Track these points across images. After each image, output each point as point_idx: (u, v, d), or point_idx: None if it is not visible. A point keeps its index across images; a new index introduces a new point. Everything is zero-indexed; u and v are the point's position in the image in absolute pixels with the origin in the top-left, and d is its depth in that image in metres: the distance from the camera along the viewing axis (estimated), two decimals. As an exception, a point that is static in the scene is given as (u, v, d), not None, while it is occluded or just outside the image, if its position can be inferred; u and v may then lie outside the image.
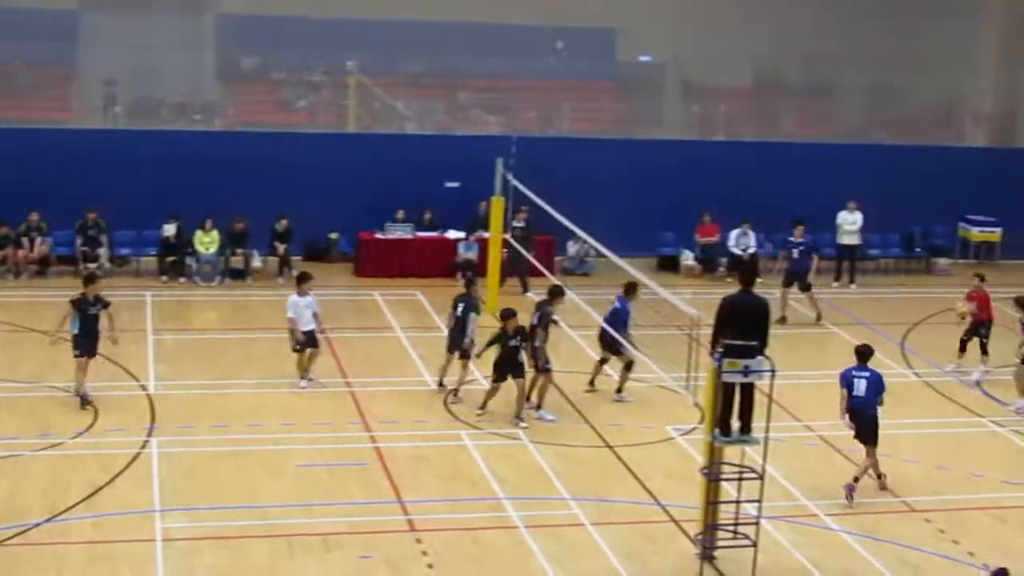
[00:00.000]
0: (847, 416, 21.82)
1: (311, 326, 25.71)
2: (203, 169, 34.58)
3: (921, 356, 29.46)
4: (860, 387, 21.84)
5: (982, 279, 28.81)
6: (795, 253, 32.40)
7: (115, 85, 38.08)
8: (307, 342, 25.74)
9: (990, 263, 38.78)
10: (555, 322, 25.79)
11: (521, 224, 33.42)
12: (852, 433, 21.87)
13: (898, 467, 22.89)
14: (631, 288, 25.63)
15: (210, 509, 20.08)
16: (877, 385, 21.86)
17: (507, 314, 24.36)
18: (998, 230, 38.94)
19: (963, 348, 28.48)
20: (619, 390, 25.87)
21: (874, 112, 43.27)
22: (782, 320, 31.07)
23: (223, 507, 20.20)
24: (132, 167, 34.16)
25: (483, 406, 24.60)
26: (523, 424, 24.01)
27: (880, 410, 21.76)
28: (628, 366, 25.64)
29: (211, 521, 19.72)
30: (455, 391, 25.61)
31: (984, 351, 28.30)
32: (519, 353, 24.26)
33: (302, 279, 26.20)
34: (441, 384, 26.03)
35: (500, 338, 24.26)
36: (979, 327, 28.36)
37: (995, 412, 26.20)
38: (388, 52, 40.16)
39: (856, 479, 21.65)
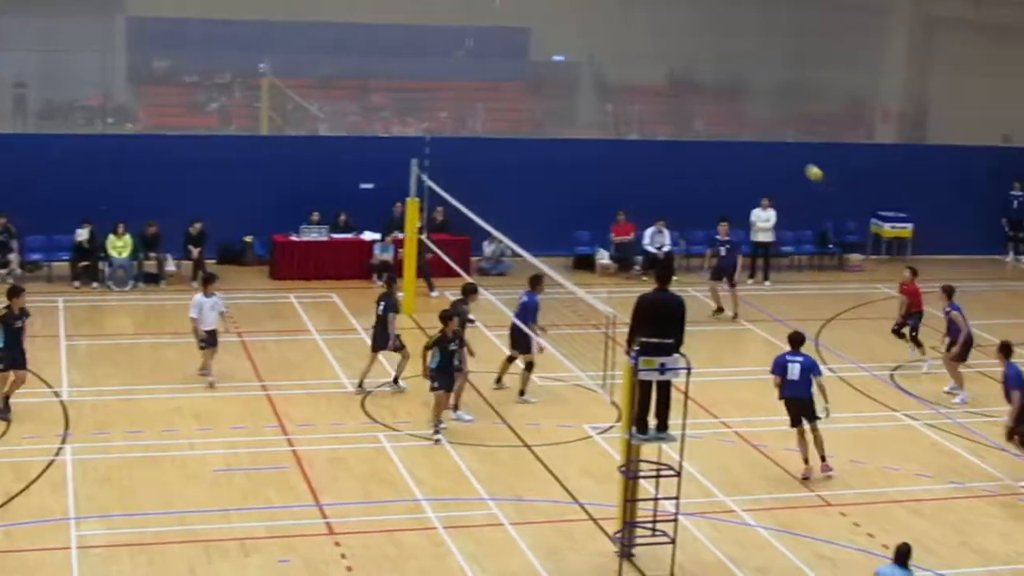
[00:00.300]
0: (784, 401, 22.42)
1: (214, 326, 26.00)
2: (115, 173, 34.28)
3: (835, 352, 29.69)
4: (794, 371, 22.35)
5: (914, 273, 29.23)
6: (722, 251, 32.55)
7: (25, 88, 37.64)
8: (209, 341, 25.92)
9: (902, 258, 39.13)
10: (471, 321, 25.79)
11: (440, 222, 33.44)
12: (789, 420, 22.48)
13: (813, 461, 23.07)
14: (536, 280, 25.59)
15: (126, 516, 19.92)
16: (812, 369, 22.38)
17: (448, 315, 24.02)
18: (909, 226, 39.34)
19: (902, 336, 29.21)
20: (522, 392, 25.87)
21: (786, 110, 43.56)
22: (719, 311, 32.28)
23: (139, 514, 20.05)
24: (42, 171, 33.80)
25: (439, 421, 24.07)
26: (438, 437, 23.83)
27: (816, 390, 22.40)
28: (529, 367, 25.68)
29: (127, 528, 19.58)
30: (396, 379, 26.08)
31: (917, 343, 28.87)
32: (455, 357, 24.00)
33: (208, 280, 26.71)
34: (360, 386, 25.96)
35: (440, 341, 23.78)
36: (908, 318, 28.91)
37: (909, 406, 26.47)
38: (300, 54, 39.96)
39: (824, 458, 22.51)
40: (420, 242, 31.87)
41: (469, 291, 25.47)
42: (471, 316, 25.61)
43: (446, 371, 23.64)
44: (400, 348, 25.95)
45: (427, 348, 23.84)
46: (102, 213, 33.18)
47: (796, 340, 22.79)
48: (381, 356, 26.17)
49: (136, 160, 34.74)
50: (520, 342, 25.59)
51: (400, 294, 27.73)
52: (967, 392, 27.06)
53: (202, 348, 26.02)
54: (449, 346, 23.69)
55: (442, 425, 23.77)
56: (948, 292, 27.48)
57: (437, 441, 23.26)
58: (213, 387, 25.67)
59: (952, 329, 27.08)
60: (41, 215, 33.40)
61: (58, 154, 34.37)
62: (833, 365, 28.72)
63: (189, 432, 23.37)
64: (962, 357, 27.14)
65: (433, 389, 23.67)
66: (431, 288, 33.04)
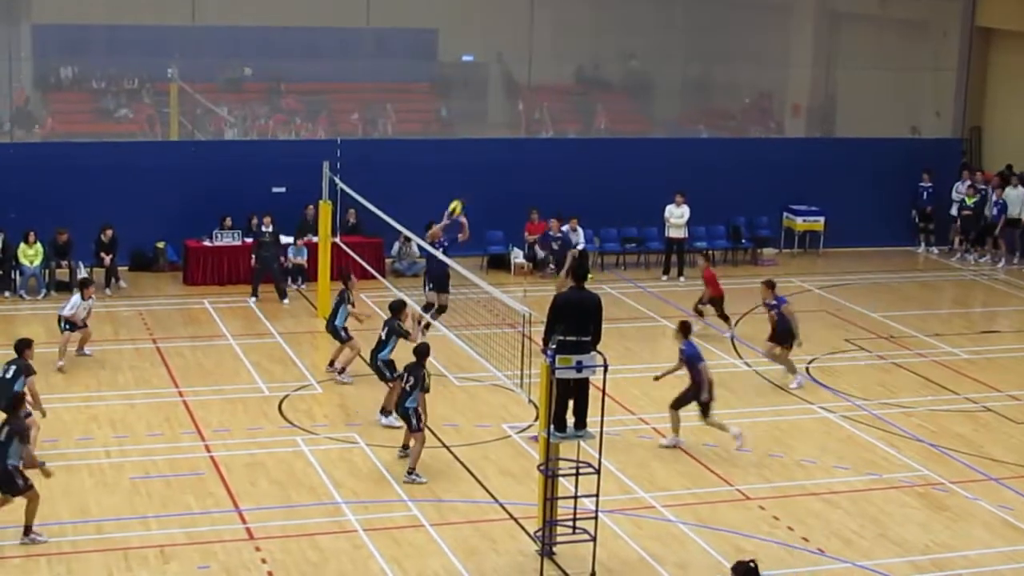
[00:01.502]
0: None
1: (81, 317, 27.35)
2: (24, 180, 33.94)
3: (749, 346, 29.90)
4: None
5: (707, 259, 32.41)
6: (554, 245, 32.75)
7: (-71, 96, 37.20)
8: (73, 327, 27.05)
9: (815, 252, 39.53)
10: (405, 334, 25.30)
11: (269, 229, 33.19)
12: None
13: (731, 456, 23.27)
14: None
15: (43, 525, 19.70)
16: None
17: (399, 305, 24.71)
18: (821, 219, 39.64)
19: (700, 313, 31.06)
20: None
21: (694, 106, 43.81)
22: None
23: (57, 523, 19.87)
24: (-51, 181, 33.45)
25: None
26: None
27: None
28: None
29: (45, 537, 19.38)
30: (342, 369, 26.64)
31: (725, 318, 30.85)
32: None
33: (85, 284, 27.89)
34: (331, 364, 26.87)
35: (401, 330, 24.58)
36: (711, 302, 30.89)
37: (825, 399, 26.69)
38: (208, 58, 39.72)
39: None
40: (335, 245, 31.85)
41: (398, 308, 24.99)
42: (407, 328, 25.36)
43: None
44: (347, 340, 26.61)
45: (398, 337, 24.61)
46: (12, 221, 32.84)
47: (686, 329, 23.95)
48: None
49: (45, 167, 34.40)
50: None
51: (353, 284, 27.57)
52: (802, 376, 27.35)
53: (65, 331, 27.00)
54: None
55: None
56: (770, 285, 27.68)
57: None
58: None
59: (781, 320, 27.14)
60: (-50, 224, 33.05)
61: (-35, 163, 34.00)
62: (748, 359, 28.94)
63: (105, 440, 23.19)
64: (787, 343, 27.24)
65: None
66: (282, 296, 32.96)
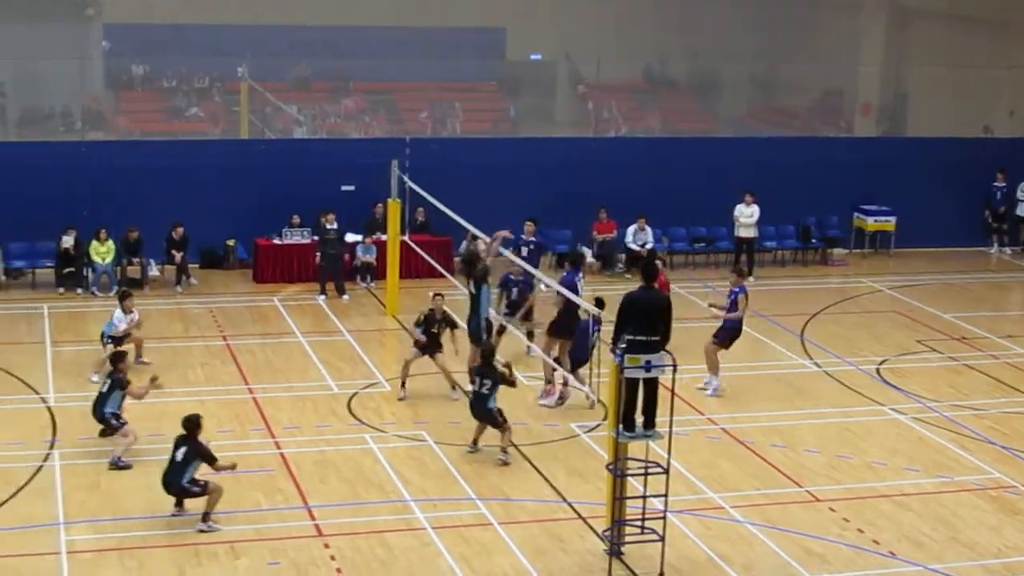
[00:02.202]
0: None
1: (125, 331, 26.73)
2: (96, 179, 34.25)
3: (819, 346, 29.73)
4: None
5: (663, 263, 31.16)
6: (524, 251, 30.29)
7: (3, 97, 37.57)
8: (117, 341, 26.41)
9: (886, 252, 39.26)
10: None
11: (333, 226, 33.26)
12: None
13: (800, 457, 23.15)
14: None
15: (114, 520, 19.89)
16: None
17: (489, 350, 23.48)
18: (892, 219, 39.34)
19: None
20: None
21: (762, 104, 43.66)
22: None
23: (127, 518, 20.02)
24: (23, 179, 33.73)
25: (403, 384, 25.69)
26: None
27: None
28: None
29: (116, 532, 19.56)
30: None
31: None
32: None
33: (124, 297, 27.29)
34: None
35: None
36: None
37: (895, 400, 26.49)
38: (278, 57, 39.97)
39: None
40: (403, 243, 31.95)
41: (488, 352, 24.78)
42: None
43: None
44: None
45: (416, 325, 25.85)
46: (84, 219, 33.12)
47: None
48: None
49: (116, 166, 34.66)
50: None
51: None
52: (719, 381, 26.59)
53: (105, 345, 26.39)
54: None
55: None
56: (740, 273, 27.15)
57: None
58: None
59: (730, 311, 26.39)
60: (23, 222, 33.34)
61: (39, 161, 34.29)
62: (818, 360, 28.77)
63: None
64: (726, 344, 26.52)
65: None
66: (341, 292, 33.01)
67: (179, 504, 20.17)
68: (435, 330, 25.80)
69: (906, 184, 39.26)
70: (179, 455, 19.81)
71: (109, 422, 22.20)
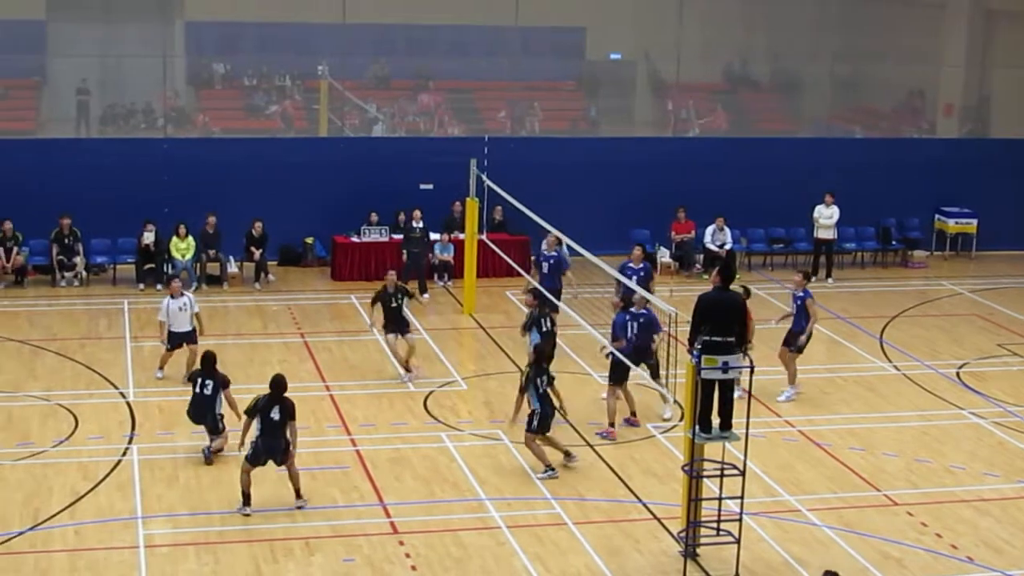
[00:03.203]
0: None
1: (186, 327, 26.08)
2: (177, 176, 34.57)
3: (899, 349, 29.51)
4: (633, 328, 23.87)
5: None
6: (544, 267, 28.86)
7: (88, 95, 37.92)
8: (179, 341, 26.06)
9: (967, 255, 38.91)
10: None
11: (419, 224, 33.30)
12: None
13: (878, 461, 22.99)
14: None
15: (192, 515, 20.05)
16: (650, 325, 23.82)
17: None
18: (974, 221, 38.97)
19: None
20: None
21: (844, 105, 43.36)
22: None
23: (205, 513, 20.18)
24: (105, 175, 34.09)
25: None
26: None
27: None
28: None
29: (193, 527, 19.72)
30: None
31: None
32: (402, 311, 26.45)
33: (169, 280, 27.55)
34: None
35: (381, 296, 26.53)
36: None
37: (975, 404, 26.24)
38: (357, 55, 40.08)
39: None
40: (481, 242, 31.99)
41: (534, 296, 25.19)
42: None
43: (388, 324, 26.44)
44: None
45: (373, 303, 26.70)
46: (165, 216, 33.39)
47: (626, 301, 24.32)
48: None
49: (197, 163, 34.97)
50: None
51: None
52: (795, 389, 26.25)
53: (168, 349, 26.17)
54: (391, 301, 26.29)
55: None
56: (806, 276, 26.52)
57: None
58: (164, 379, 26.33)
59: (799, 317, 25.96)
60: (105, 218, 33.71)
61: (121, 158, 34.65)
62: (898, 363, 28.54)
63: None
64: (801, 350, 26.07)
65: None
66: (423, 290, 32.96)
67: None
68: (394, 305, 26.43)
69: (988, 186, 38.89)
70: (275, 415, 20.29)
71: (217, 425, 22.24)
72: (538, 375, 21.91)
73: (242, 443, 20.55)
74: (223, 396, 22.14)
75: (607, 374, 24.19)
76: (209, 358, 22.40)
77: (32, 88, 39.31)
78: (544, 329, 24.49)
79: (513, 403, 22.49)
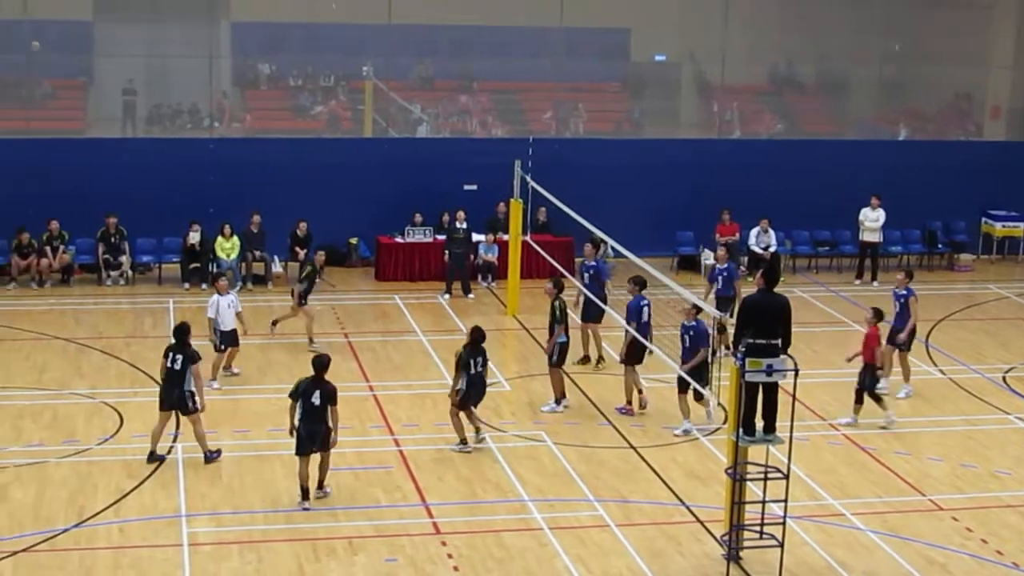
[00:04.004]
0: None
1: (232, 326, 26.21)
2: (222, 176, 34.70)
3: (944, 353, 29.35)
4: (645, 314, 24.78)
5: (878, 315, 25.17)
6: (585, 277, 28.55)
7: (134, 95, 38.14)
8: (229, 341, 26.22)
9: (1014, 258, 38.69)
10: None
11: (463, 225, 33.34)
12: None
13: (923, 465, 22.86)
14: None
15: (235, 514, 20.12)
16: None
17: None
18: (1021, 225, 38.74)
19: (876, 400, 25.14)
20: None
21: (890, 107, 43.19)
22: (585, 360, 28.06)
23: (248, 512, 20.23)
24: (151, 175, 34.26)
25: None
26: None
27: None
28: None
29: (236, 526, 19.77)
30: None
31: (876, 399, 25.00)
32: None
33: (215, 278, 27.57)
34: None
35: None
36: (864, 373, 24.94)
37: (1021, 409, 26.05)
38: (402, 56, 40.17)
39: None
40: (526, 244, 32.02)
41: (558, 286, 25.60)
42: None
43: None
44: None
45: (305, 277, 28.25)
46: (210, 216, 33.51)
47: (639, 283, 24.91)
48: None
49: (242, 163, 35.10)
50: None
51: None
52: (911, 386, 26.50)
53: (219, 351, 26.17)
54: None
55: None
56: (909, 275, 26.85)
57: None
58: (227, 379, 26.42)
59: (902, 314, 26.13)
60: (150, 218, 33.88)
61: (164, 159, 34.84)
62: (943, 367, 28.39)
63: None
64: (908, 346, 26.29)
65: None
66: (467, 291, 33.11)
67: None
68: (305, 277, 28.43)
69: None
70: (315, 400, 20.32)
71: (185, 403, 21.77)
72: (471, 356, 22.70)
73: (291, 427, 20.59)
74: (192, 371, 21.70)
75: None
76: (182, 329, 22.04)
77: (79, 88, 39.58)
78: (473, 371, 23.09)
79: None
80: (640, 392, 25.17)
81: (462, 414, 22.93)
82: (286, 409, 23.78)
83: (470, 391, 22.80)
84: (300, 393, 20.39)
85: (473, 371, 22.71)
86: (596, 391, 26.13)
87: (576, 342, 27.10)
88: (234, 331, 26.24)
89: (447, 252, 33.14)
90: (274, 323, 28.70)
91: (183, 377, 21.62)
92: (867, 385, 24.48)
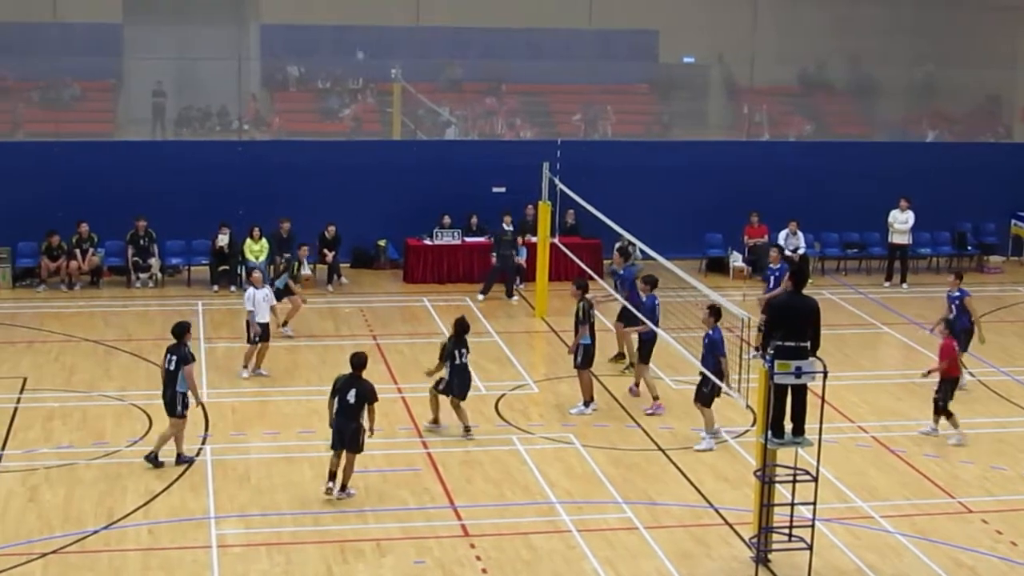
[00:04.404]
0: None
1: (267, 319, 26.69)
2: (251, 178, 34.77)
3: (974, 355, 29.21)
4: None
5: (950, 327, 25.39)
6: (616, 283, 28.34)
7: (163, 97, 38.27)
8: (263, 335, 26.59)
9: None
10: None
11: (510, 227, 33.35)
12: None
13: (953, 468, 22.78)
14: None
15: (263, 515, 20.16)
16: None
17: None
18: (1052, 226, 38.68)
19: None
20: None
21: (919, 109, 43.08)
22: (619, 357, 28.15)
23: (277, 513, 20.27)
24: (179, 177, 34.36)
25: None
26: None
27: None
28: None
29: (265, 527, 19.81)
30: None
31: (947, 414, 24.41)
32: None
33: (250, 273, 28.18)
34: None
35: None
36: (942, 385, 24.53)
37: (1052, 411, 26.01)
38: (431, 58, 40.23)
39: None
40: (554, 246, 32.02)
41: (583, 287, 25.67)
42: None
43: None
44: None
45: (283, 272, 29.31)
46: (239, 218, 33.60)
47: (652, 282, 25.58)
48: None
49: (271, 165, 35.18)
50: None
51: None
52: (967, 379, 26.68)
53: (253, 343, 26.60)
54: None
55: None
56: (959, 276, 27.31)
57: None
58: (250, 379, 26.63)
59: (960, 315, 26.44)
60: (179, 220, 33.97)
61: (193, 161, 34.92)
62: (973, 369, 28.27)
63: (325, 433, 23.45)
64: (964, 347, 26.27)
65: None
66: (510, 294, 33.10)
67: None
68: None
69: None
70: (350, 398, 20.58)
71: (175, 406, 21.74)
72: (456, 347, 23.43)
73: (330, 421, 20.85)
74: (184, 372, 21.61)
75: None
76: (180, 328, 21.96)
77: (109, 91, 39.71)
78: (457, 362, 23.58)
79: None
80: (637, 385, 25.89)
81: (441, 398, 23.68)
82: (314, 411, 23.95)
83: (453, 380, 23.37)
84: (337, 390, 20.63)
85: (458, 361, 23.38)
86: (624, 394, 26.09)
87: (612, 340, 27.18)
88: (267, 325, 26.62)
89: (495, 254, 33.08)
90: (284, 323, 29.20)
91: (175, 378, 21.69)
92: (943, 399, 24.12)
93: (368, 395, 20.61)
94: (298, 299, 29.47)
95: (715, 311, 23.04)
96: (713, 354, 23.15)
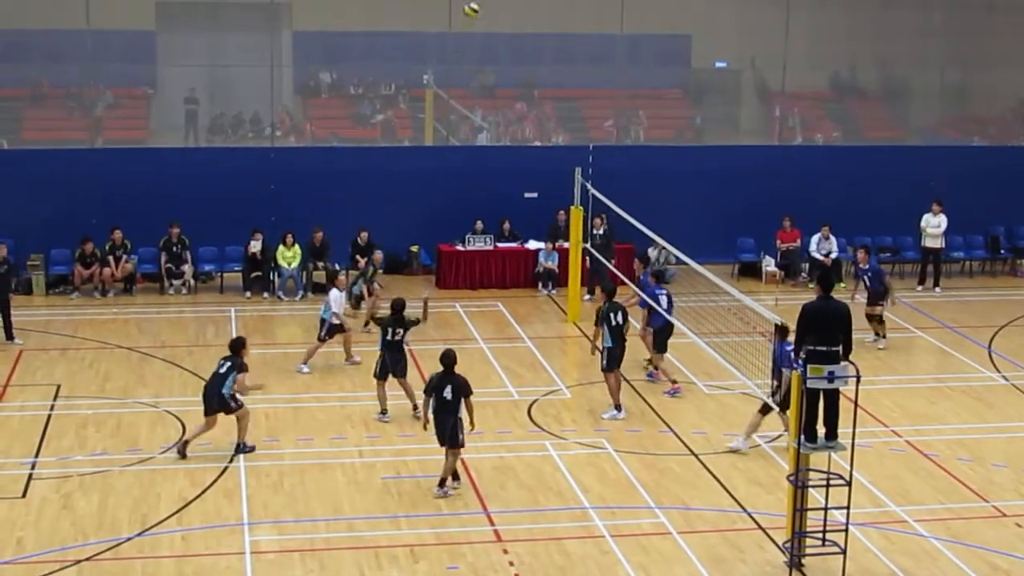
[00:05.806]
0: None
1: (338, 321, 27.64)
2: (284, 185, 34.87)
3: (1008, 359, 29.14)
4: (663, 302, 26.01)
5: None
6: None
7: (196, 104, 38.41)
8: (335, 331, 27.68)
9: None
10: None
11: (601, 232, 33.38)
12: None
13: (987, 472, 22.70)
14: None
15: (297, 522, 20.21)
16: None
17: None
18: (1085, 230, 38.46)
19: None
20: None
21: (951, 112, 42.95)
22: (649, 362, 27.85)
23: (310, 520, 20.32)
24: (213, 184, 34.46)
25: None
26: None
27: None
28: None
29: (299, 534, 19.85)
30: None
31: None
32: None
33: (334, 275, 28.55)
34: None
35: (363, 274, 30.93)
36: None
37: (1085, 414, 25.89)
38: (463, 64, 40.27)
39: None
40: (590, 250, 31.99)
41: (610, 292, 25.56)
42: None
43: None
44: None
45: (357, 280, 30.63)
46: (272, 224, 33.70)
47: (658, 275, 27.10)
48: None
49: (303, 172, 35.27)
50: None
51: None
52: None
53: (323, 340, 27.56)
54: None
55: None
56: (867, 250, 29.54)
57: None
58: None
59: (874, 283, 28.92)
60: (212, 227, 34.09)
61: (226, 167, 35.02)
62: (1007, 373, 28.18)
63: (358, 440, 23.61)
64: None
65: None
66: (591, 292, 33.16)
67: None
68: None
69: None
70: (447, 394, 20.99)
71: (227, 404, 22.66)
72: (389, 324, 24.33)
73: (425, 421, 21.24)
74: (234, 377, 22.52)
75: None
76: (237, 343, 23.11)
77: (142, 98, 39.85)
78: (390, 339, 24.55)
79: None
80: (656, 370, 26.77)
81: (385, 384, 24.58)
82: (347, 417, 24.00)
83: (386, 357, 24.37)
84: (432, 388, 20.98)
85: (390, 338, 24.29)
86: (658, 399, 26.07)
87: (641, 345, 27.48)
88: (340, 325, 27.52)
89: (587, 259, 32.75)
90: (366, 324, 29.53)
91: (224, 380, 22.44)
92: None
93: (464, 389, 20.97)
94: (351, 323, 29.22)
95: (782, 330, 21.91)
96: (781, 367, 22.43)
